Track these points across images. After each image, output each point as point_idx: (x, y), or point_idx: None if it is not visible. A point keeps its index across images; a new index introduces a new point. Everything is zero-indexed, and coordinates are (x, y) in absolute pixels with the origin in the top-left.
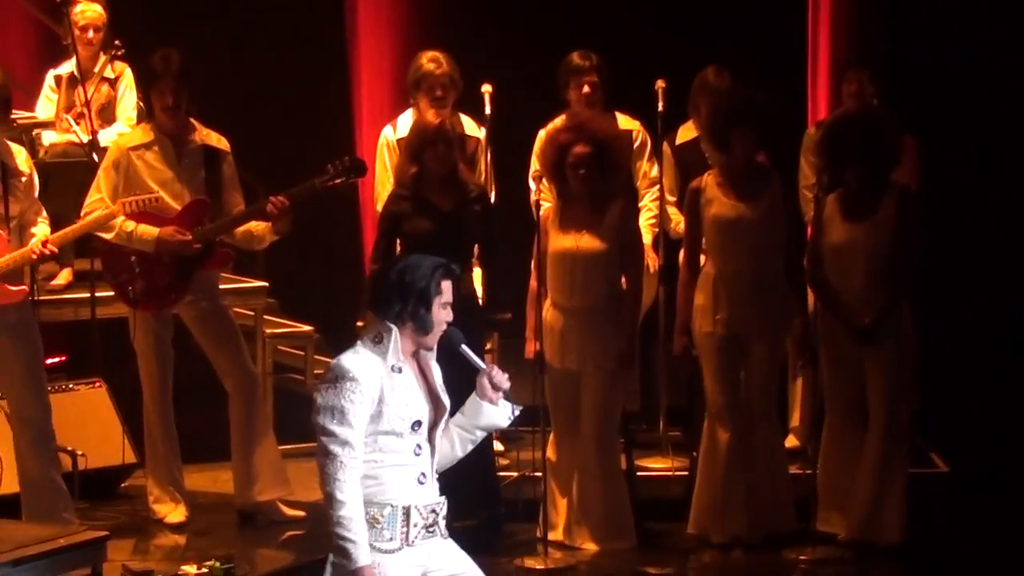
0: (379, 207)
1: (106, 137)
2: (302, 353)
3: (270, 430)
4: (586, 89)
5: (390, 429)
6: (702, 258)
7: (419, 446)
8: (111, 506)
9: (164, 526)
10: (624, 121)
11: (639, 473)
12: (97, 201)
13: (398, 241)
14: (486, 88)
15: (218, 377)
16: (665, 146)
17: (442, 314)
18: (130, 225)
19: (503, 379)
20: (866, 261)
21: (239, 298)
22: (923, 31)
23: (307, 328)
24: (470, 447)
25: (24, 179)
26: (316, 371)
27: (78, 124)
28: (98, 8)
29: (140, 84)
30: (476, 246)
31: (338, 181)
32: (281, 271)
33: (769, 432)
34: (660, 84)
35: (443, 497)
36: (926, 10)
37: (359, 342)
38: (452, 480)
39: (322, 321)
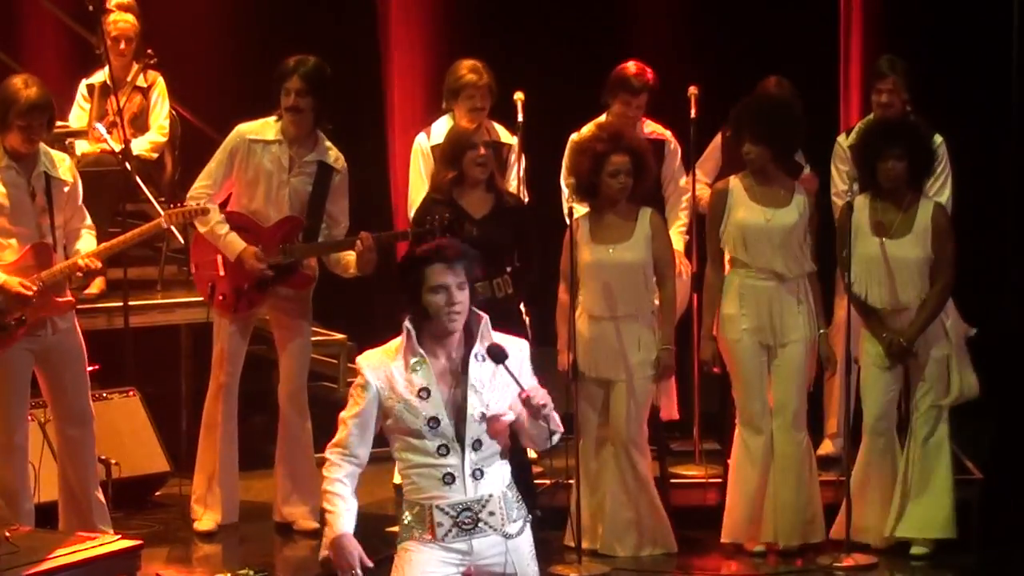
0: (412, 214)
1: (138, 146)
2: (335, 361)
3: (310, 448)
4: (632, 114)
5: (408, 427)
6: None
7: (444, 446)
8: (145, 515)
9: (198, 534)
10: (655, 129)
11: (672, 480)
12: (205, 187)
13: None
14: (518, 96)
15: (254, 384)
16: (719, 136)
17: (434, 298)
18: (222, 228)
19: (540, 399)
20: (898, 273)
21: None
22: (954, 38)
23: (340, 336)
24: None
25: (67, 188)
26: (349, 379)
27: (110, 133)
28: (130, 18)
29: (272, 82)
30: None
31: (430, 235)
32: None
33: (799, 439)
34: (693, 91)
35: (490, 494)
36: (957, 18)
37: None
38: None
39: (355, 329)
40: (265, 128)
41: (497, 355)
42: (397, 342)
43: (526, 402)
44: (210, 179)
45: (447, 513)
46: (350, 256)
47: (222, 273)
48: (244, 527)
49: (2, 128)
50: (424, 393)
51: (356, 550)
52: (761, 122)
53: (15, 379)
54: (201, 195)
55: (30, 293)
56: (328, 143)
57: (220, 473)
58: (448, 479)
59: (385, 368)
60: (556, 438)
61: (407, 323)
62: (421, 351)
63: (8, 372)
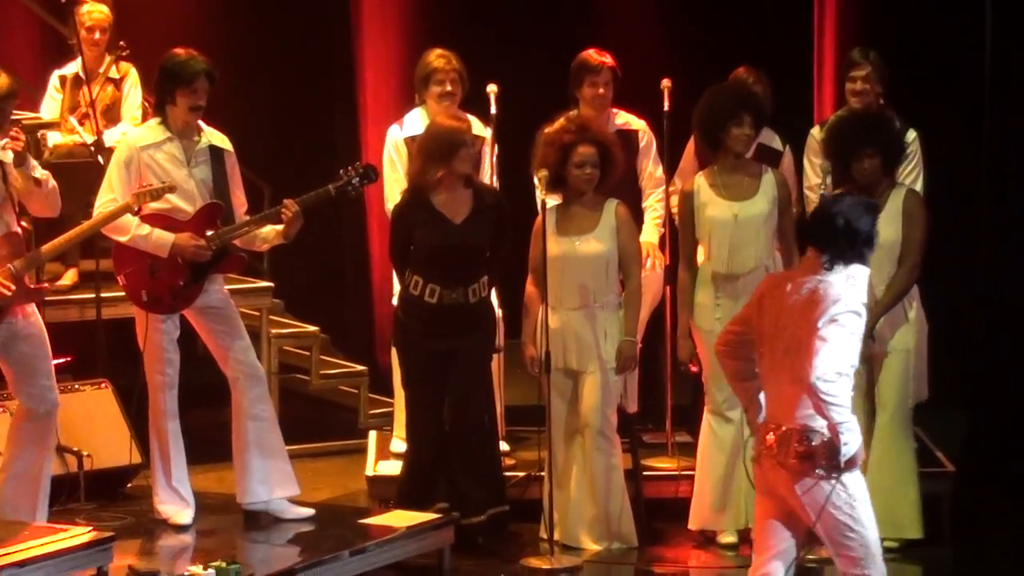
0: (388, 206)
1: (111, 137)
2: (307, 353)
3: (277, 428)
4: (601, 90)
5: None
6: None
7: None
8: (117, 507)
9: (170, 527)
10: (628, 120)
11: (645, 473)
12: (109, 202)
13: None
14: (491, 88)
15: (223, 376)
16: (691, 143)
17: None
18: (145, 229)
19: None
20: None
21: (244, 298)
22: (928, 32)
23: (313, 328)
24: None
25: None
26: (321, 371)
27: (82, 125)
28: (104, 9)
29: (163, 80)
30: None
31: (351, 188)
32: (286, 271)
33: None
34: (665, 83)
35: None
36: (931, 11)
37: (834, 275)
38: (459, 478)
39: (327, 321)
40: (150, 132)
41: None
42: (843, 282)
43: None
44: (112, 192)
45: None
46: (266, 229)
47: (152, 276)
48: (216, 519)
49: None
50: None
51: None
52: (760, 103)
53: None
54: (108, 207)
55: (9, 293)
56: (206, 126)
57: (181, 469)
58: None
59: None
60: None
61: (867, 269)
62: None
63: None
